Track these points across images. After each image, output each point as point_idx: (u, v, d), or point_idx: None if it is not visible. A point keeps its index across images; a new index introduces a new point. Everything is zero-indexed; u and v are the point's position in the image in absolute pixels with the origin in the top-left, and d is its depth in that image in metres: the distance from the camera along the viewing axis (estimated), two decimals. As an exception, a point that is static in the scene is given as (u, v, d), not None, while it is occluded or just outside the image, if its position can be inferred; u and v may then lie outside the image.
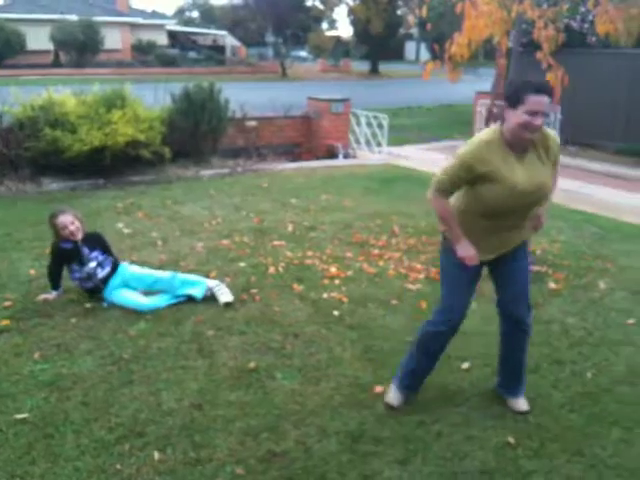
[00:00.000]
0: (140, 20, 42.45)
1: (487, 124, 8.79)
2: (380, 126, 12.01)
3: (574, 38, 12.73)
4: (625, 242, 6.65)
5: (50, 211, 4.85)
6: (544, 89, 2.89)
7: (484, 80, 17.21)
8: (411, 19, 26.67)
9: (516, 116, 2.91)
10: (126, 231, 6.47)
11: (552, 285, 5.31)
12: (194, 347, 4.10)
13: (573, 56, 12.41)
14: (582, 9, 12.45)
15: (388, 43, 46.30)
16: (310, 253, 5.95)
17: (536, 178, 3.04)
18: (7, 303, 4.66)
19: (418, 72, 15.78)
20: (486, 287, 4.02)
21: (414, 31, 53.70)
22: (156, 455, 3.03)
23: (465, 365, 3.92)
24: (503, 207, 3.04)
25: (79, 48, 34.61)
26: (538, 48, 8.03)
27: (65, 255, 4.68)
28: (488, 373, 3.79)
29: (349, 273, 5.48)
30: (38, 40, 35.15)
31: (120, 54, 39.34)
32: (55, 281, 4.76)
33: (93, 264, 4.70)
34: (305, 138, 12.17)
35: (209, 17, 63.05)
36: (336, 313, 4.66)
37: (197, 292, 4.76)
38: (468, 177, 3.01)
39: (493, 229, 3.17)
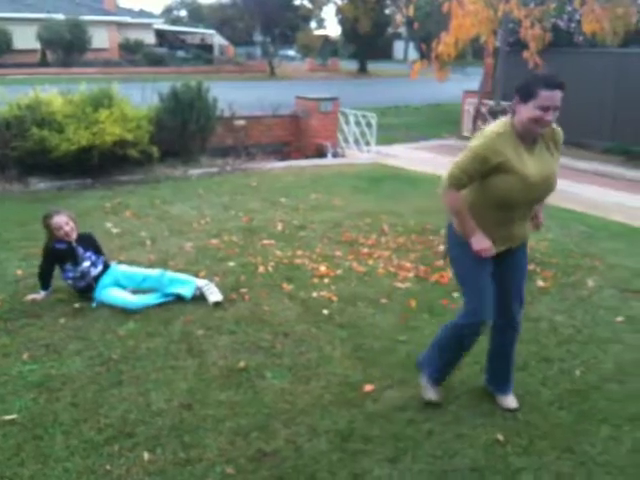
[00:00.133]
0: (127, 19, 42.20)
1: (475, 123, 8.85)
2: (369, 125, 12.02)
3: (561, 37, 12.81)
4: (613, 240, 6.70)
5: (40, 211, 4.85)
6: (556, 84, 2.86)
7: (472, 79, 17.25)
8: (399, 18, 26.68)
9: (527, 110, 2.90)
10: (115, 231, 6.44)
11: (540, 283, 5.34)
12: (183, 347, 4.09)
13: (560, 55, 12.50)
14: (569, 8, 12.53)
15: (376, 42, 46.45)
16: (299, 252, 5.95)
17: (545, 170, 3.05)
18: (-6, 304, 4.63)
19: (406, 71, 15.79)
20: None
21: (402, 30, 53.70)
22: (146, 455, 3.02)
23: (455, 363, 3.93)
24: (514, 198, 3.04)
25: (66, 47, 34.42)
26: (525, 47, 8.08)
27: (59, 255, 4.69)
28: (477, 371, 3.80)
29: (339, 272, 5.48)
30: (25, 39, 34.88)
31: (107, 53, 39.10)
32: (46, 281, 4.75)
33: (87, 263, 4.72)
34: (294, 137, 12.16)
35: (197, 16, 62.90)
36: (326, 312, 4.67)
37: (186, 291, 4.75)
38: (483, 169, 2.99)
39: (503, 220, 3.15)
